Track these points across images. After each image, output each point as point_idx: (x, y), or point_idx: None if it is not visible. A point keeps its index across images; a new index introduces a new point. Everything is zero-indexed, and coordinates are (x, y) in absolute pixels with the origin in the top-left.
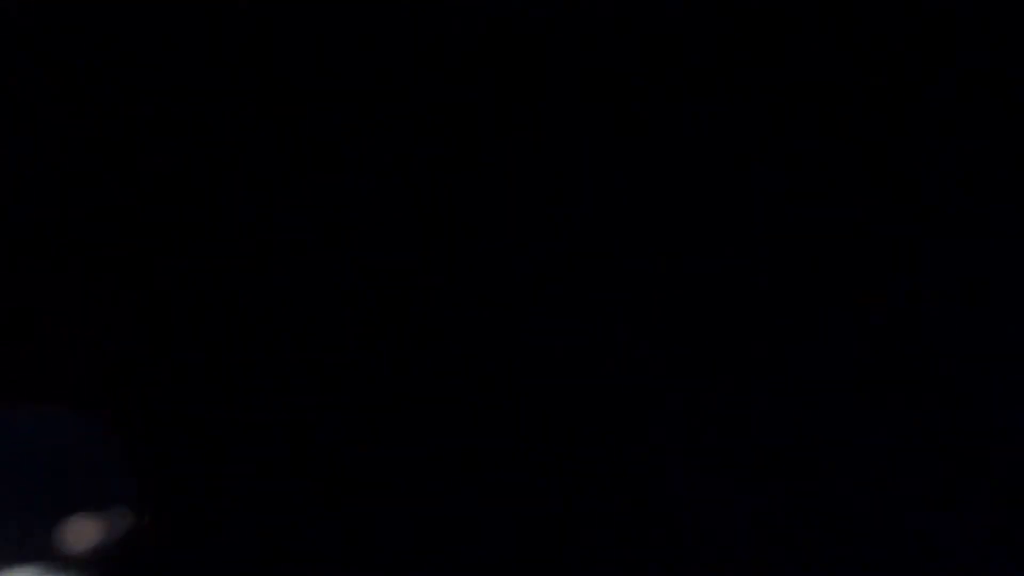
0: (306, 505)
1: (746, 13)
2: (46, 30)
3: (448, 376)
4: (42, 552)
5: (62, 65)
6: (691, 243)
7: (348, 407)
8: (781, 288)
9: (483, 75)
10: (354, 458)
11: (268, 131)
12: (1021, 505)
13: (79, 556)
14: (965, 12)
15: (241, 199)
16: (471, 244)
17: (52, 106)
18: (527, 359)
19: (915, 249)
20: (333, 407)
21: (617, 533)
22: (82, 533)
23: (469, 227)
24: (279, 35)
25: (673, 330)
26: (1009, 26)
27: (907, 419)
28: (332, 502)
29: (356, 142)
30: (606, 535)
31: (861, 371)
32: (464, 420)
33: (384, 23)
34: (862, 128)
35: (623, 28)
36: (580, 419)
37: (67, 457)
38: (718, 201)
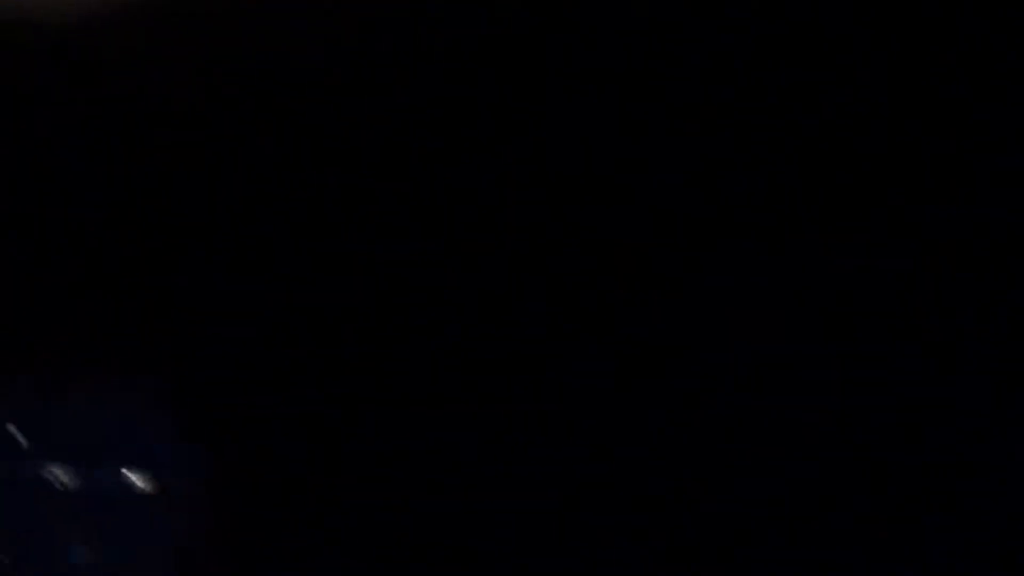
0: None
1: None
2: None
3: (448, 375)
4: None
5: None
6: (691, 243)
7: (350, 407)
8: (781, 288)
9: (483, 75)
10: (358, 455)
11: (268, 130)
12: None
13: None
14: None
15: (241, 198)
16: (471, 244)
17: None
18: (528, 359)
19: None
20: (336, 406)
21: (617, 534)
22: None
23: (469, 227)
24: (278, 34)
25: (674, 330)
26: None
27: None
28: (337, 499)
29: (355, 141)
30: (606, 536)
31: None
32: (464, 420)
33: (383, 23)
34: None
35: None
36: (580, 419)
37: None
38: (720, 202)
